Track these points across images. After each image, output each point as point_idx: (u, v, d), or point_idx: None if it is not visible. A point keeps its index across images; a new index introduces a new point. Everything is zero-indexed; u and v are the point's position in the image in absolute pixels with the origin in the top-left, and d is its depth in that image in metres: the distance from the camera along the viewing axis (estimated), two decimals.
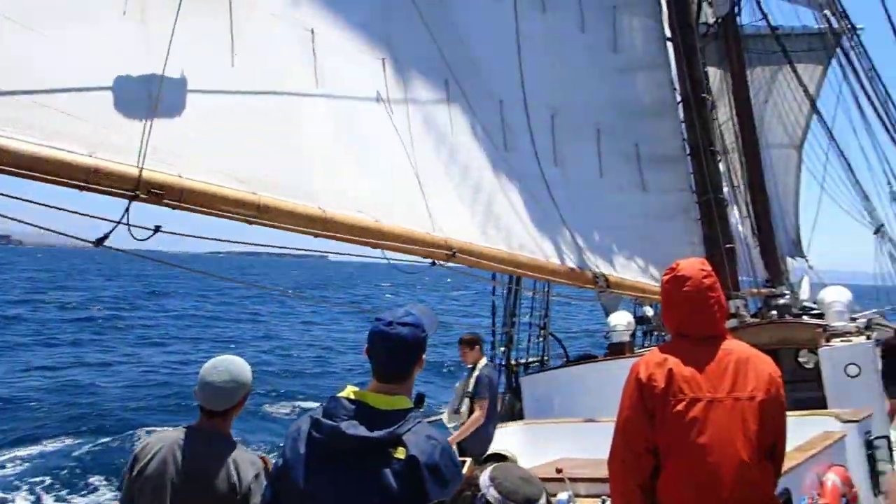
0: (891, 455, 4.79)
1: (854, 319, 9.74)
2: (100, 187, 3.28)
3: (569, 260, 6.24)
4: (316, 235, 4.16)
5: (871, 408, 5.45)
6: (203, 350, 24.13)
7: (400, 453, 2.10)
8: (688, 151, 8.09)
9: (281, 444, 2.33)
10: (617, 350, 8.16)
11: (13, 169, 3.05)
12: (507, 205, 5.83)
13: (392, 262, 4.77)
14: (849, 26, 11.33)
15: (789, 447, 3.48)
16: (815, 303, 10.51)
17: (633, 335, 9.30)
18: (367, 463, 2.10)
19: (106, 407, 15.39)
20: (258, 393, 15.85)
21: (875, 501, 4.56)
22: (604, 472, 2.65)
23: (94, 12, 3.51)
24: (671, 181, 7.87)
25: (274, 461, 2.40)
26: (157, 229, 3.48)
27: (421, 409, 2.31)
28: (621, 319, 8.65)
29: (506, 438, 5.02)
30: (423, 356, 2.33)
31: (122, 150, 3.40)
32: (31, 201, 3.30)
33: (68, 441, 12.66)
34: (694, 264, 2.66)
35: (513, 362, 8.88)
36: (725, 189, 9.87)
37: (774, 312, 10.20)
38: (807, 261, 20.82)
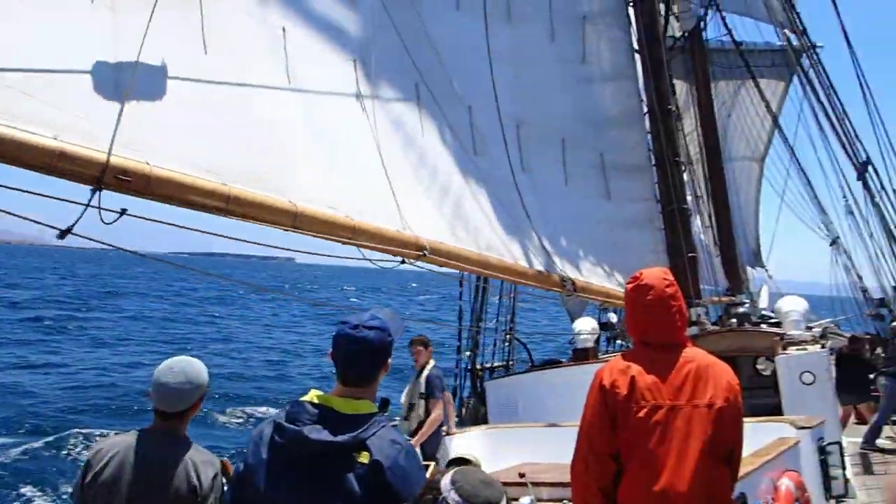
0: (842, 461, 4.94)
1: (810, 328, 10.05)
2: (65, 171, 3.20)
3: (537, 263, 6.31)
4: (286, 229, 4.12)
5: (824, 414, 5.61)
6: (157, 352, 23.56)
7: (364, 458, 2.08)
8: (653, 162, 8.25)
9: (231, 452, 2.30)
10: (581, 356, 8.26)
11: None
12: (476, 207, 5.88)
13: (365, 259, 4.74)
14: (808, 44, 11.69)
15: (746, 452, 3.57)
16: (773, 311, 10.79)
17: (597, 341, 9.43)
18: (330, 468, 2.08)
19: (43, 410, 14.75)
20: (209, 397, 15.61)
21: None
22: (566, 477, 2.68)
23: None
24: (637, 190, 8.01)
25: (235, 465, 2.37)
26: (122, 212, 3.39)
27: (385, 414, 2.31)
28: (586, 325, 8.76)
29: (470, 443, 5.04)
30: (389, 360, 2.33)
31: (88, 136, 3.33)
32: None
33: None
34: (657, 274, 2.71)
35: (478, 367, 8.91)
36: (689, 199, 10.10)
37: (734, 320, 10.44)
38: (766, 270, 21.40)
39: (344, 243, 4.48)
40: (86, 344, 25.74)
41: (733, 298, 13.39)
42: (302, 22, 4.70)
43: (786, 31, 12.18)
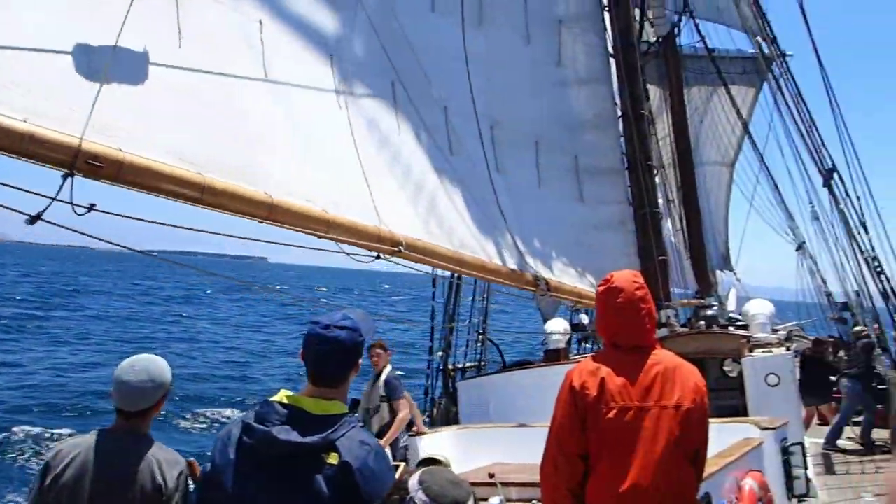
0: (804, 461, 5.05)
1: (776, 331, 10.25)
2: (35, 155, 3.12)
3: (511, 262, 6.35)
4: (261, 220, 4.07)
5: (788, 416, 5.73)
6: (118, 352, 22.90)
7: (333, 459, 2.07)
8: (626, 165, 8.35)
9: (197, 454, 2.26)
10: (553, 356, 8.30)
11: None
12: (451, 206, 5.90)
13: (340, 252, 4.71)
14: (778, 52, 11.93)
15: (711, 453, 3.63)
16: (741, 314, 10.98)
17: (569, 342, 9.49)
18: (299, 469, 2.06)
19: None
20: (172, 399, 15.25)
21: None
22: (536, 477, 2.70)
23: None
24: (610, 193, 8.10)
25: (202, 466, 2.34)
26: (91, 207, 3.32)
27: (355, 414, 2.30)
28: (558, 327, 8.81)
29: (440, 443, 5.04)
30: (360, 361, 2.32)
31: (60, 120, 3.26)
32: None
33: None
34: (627, 277, 2.75)
35: (450, 367, 8.91)
36: (661, 202, 10.24)
37: (703, 323, 10.61)
38: (735, 274, 21.79)
39: (319, 236, 4.45)
40: (44, 343, 25.07)
41: (702, 301, 13.62)
42: (278, 16, 4.67)
43: (757, 38, 12.42)
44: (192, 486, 2.62)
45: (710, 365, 7.74)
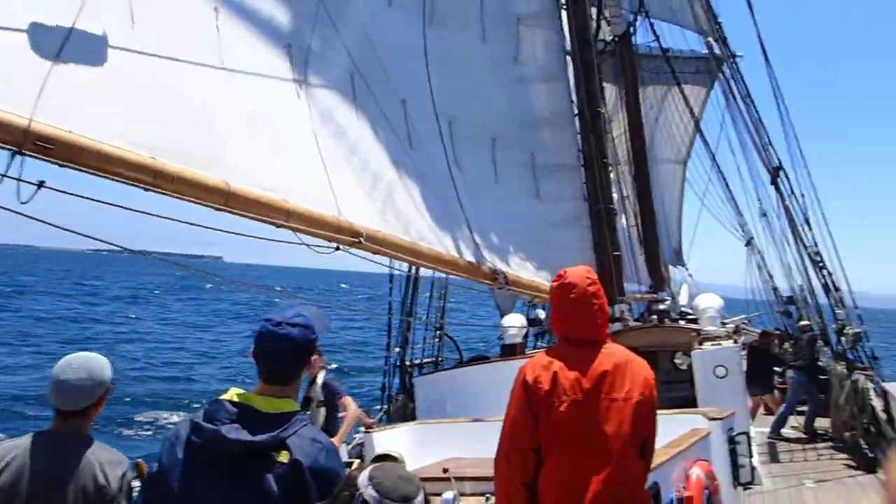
0: (749, 450, 5.22)
1: (725, 324, 10.56)
2: None
3: (469, 255, 6.37)
4: (218, 208, 3.98)
5: (735, 406, 5.91)
6: (57, 354, 22.22)
7: (283, 457, 2.06)
8: (582, 162, 8.46)
9: (143, 456, 2.21)
10: (510, 351, 8.38)
11: None
12: (410, 199, 5.88)
13: (300, 244, 4.64)
14: (728, 53, 12.25)
15: (661, 443, 3.72)
16: (692, 308, 11.28)
17: (525, 337, 9.59)
18: (248, 468, 2.04)
19: None
20: (116, 401, 14.60)
21: (735, 492, 4.96)
22: (490, 471, 2.73)
23: None
24: (566, 190, 8.19)
25: (149, 466, 2.29)
26: (40, 184, 3.21)
27: (307, 412, 2.29)
28: (515, 321, 8.90)
29: (396, 439, 5.04)
30: (312, 359, 2.30)
31: (9, 100, 3.15)
32: None
33: None
34: (580, 272, 2.79)
35: (407, 363, 8.91)
36: (616, 199, 10.41)
37: (655, 317, 10.85)
38: (686, 269, 22.33)
39: (277, 226, 4.37)
40: None
41: (655, 296, 13.92)
42: (234, 4, 4.59)
43: (709, 39, 12.72)
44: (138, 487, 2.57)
45: (662, 358, 7.93)
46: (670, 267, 20.10)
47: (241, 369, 21.31)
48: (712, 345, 7.25)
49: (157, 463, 2.14)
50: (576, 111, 8.45)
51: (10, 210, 3.20)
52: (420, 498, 1.78)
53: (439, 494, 3.22)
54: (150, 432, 14.36)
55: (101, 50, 3.64)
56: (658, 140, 20.35)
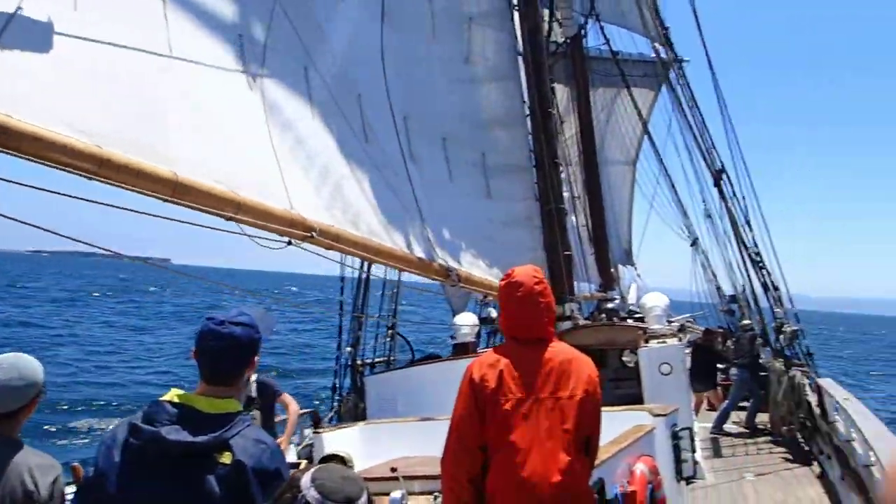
0: (692, 445, 5.36)
1: (671, 323, 10.82)
2: None
3: (422, 252, 6.35)
4: (165, 199, 3.86)
5: (679, 402, 6.06)
6: None
7: (226, 458, 2.01)
8: (533, 162, 8.55)
9: (77, 461, 2.12)
10: (462, 350, 8.39)
11: None
12: (365, 194, 5.82)
13: (252, 238, 4.53)
14: (674, 58, 12.57)
15: (607, 440, 3.79)
16: (639, 307, 11.53)
17: (478, 335, 9.64)
18: (190, 470, 1.99)
19: None
20: (48, 408, 14.07)
21: (678, 486, 5.09)
22: (439, 469, 2.73)
23: None
24: (517, 190, 8.27)
25: (86, 471, 2.21)
26: None
27: (250, 413, 2.24)
28: (467, 320, 8.93)
29: (345, 439, 4.99)
30: (256, 358, 2.26)
31: None
32: None
33: None
34: (527, 271, 2.82)
35: (358, 362, 8.84)
36: (566, 199, 10.57)
37: (604, 315, 11.06)
38: (636, 269, 22.85)
39: (227, 219, 4.26)
40: None
41: (605, 295, 14.20)
42: None
43: (656, 44, 13.04)
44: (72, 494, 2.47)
45: (610, 355, 8.08)
46: (620, 266, 20.53)
47: (182, 374, 20.78)
48: (658, 343, 7.42)
49: (93, 467, 2.06)
50: (527, 112, 8.54)
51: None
52: (364, 499, 1.76)
53: (388, 494, 3.20)
54: (86, 440, 13.80)
55: (47, 36, 3.50)
56: (608, 141, 20.75)
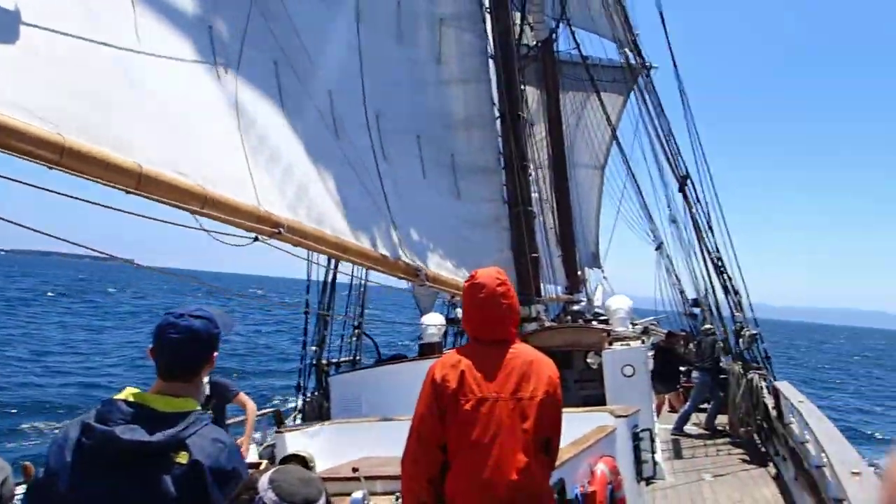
0: (652, 445, 5.45)
1: (635, 325, 10.98)
2: None
3: (391, 251, 6.33)
4: (128, 191, 3.78)
5: (640, 404, 6.16)
6: None
7: (182, 458, 1.97)
8: (502, 164, 8.60)
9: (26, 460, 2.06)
10: (428, 350, 8.40)
11: None
12: (334, 190, 5.78)
13: (217, 233, 4.45)
14: (642, 64, 12.77)
15: (569, 440, 3.83)
16: (604, 309, 11.67)
17: (445, 335, 9.66)
18: (145, 470, 1.95)
19: None
20: None
21: (638, 487, 5.17)
22: (400, 470, 2.73)
23: None
24: (485, 191, 8.31)
25: (37, 470, 2.15)
26: None
27: (208, 412, 2.21)
28: (434, 321, 8.94)
29: (307, 439, 4.95)
30: (215, 354, 2.23)
31: None
32: None
33: None
34: (490, 273, 2.84)
35: (324, 362, 8.78)
36: (535, 201, 10.65)
37: (570, 317, 11.17)
38: (602, 271, 23.13)
39: (192, 212, 4.19)
40: None
41: (571, 297, 14.34)
42: None
43: (625, 50, 13.22)
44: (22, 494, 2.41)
45: (575, 357, 8.17)
46: (587, 269, 20.75)
47: (137, 374, 20.34)
48: (621, 345, 7.52)
49: (43, 468, 2.01)
50: (497, 114, 8.59)
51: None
52: (322, 501, 1.75)
53: (349, 494, 3.19)
54: (35, 442, 13.37)
55: (13, 25, 3.41)
56: (578, 145, 20.96)
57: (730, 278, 10.31)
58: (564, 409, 2.84)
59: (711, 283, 10.39)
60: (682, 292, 15.53)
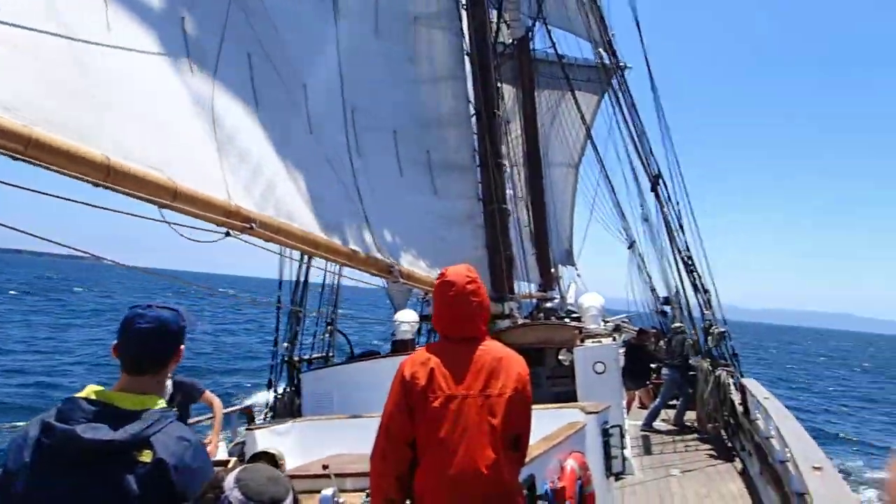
0: (621, 441, 5.52)
1: (606, 322, 11.09)
2: None
3: (365, 247, 6.30)
4: (96, 184, 3.70)
5: (611, 400, 6.23)
6: None
7: (146, 456, 1.94)
8: (478, 162, 8.62)
9: None
10: (401, 347, 8.39)
11: None
12: (308, 186, 5.72)
13: (185, 226, 4.38)
14: (617, 64, 12.89)
15: (540, 436, 3.86)
16: (577, 307, 11.77)
17: (418, 332, 9.65)
18: (107, 469, 1.92)
19: None
20: None
21: (607, 482, 5.23)
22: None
23: None
24: (460, 188, 8.32)
25: None
26: None
27: (173, 409, 2.18)
28: (407, 317, 8.93)
29: (277, 437, 4.92)
30: (182, 347, 2.21)
31: None
32: None
33: None
34: (460, 271, 2.84)
35: (295, 358, 8.71)
36: (510, 199, 10.70)
37: (543, 315, 11.25)
38: (576, 269, 23.31)
39: (162, 206, 4.12)
40: None
41: (544, 294, 14.45)
42: None
43: (599, 49, 13.33)
44: None
45: (548, 354, 8.24)
46: (560, 266, 20.90)
47: (100, 374, 19.96)
48: (593, 342, 7.60)
49: (2, 468, 1.96)
50: (473, 111, 8.60)
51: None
52: (289, 500, 1.74)
53: (319, 491, 3.18)
54: None
55: None
56: (553, 143, 21.08)
57: (699, 277, 10.48)
58: (536, 406, 2.86)
59: (682, 281, 10.54)
60: (653, 290, 15.73)
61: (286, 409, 7.91)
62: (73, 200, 3.97)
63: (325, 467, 3.57)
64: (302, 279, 8.90)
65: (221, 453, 5.83)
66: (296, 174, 5.66)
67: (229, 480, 1.73)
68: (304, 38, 6.11)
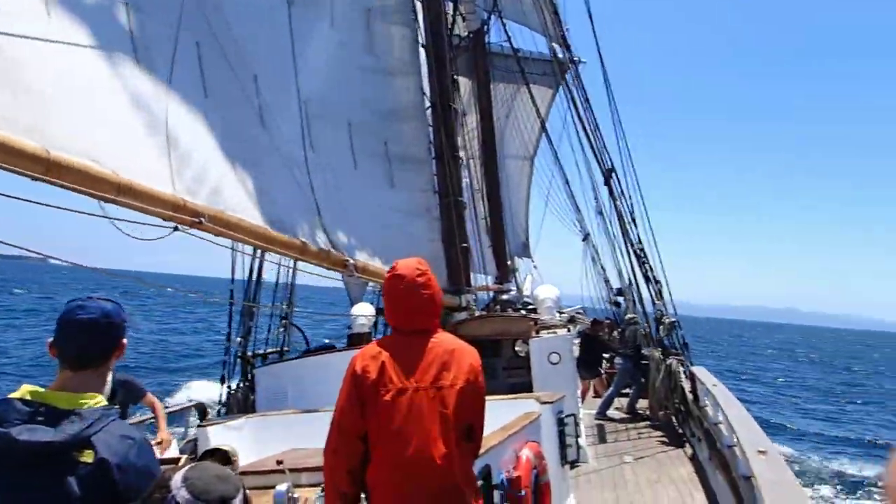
0: (576, 430, 5.62)
1: (562, 314, 11.25)
2: None
3: (319, 241, 6.22)
4: (36, 178, 3.56)
5: (566, 390, 6.33)
6: None
7: (87, 457, 1.88)
8: (433, 155, 8.60)
9: None
10: (357, 341, 8.34)
11: None
12: (260, 179, 5.61)
13: (131, 222, 4.23)
14: (571, 58, 13.03)
15: (496, 427, 3.89)
16: (533, 299, 11.88)
17: (375, 326, 9.61)
18: (46, 471, 1.85)
19: None
20: None
21: (562, 471, 5.31)
22: None
23: None
24: (416, 181, 8.29)
25: None
26: None
27: (115, 406, 2.11)
28: (363, 311, 8.87)
29: (230, 433, 4.83)
30: (125, 342, 2.14)
31: None
32: None
33: None
34: (410, 264, 2.83)
35: (249, 353, 8.58)
36: (465, 192, 10.72)
37: (499, 307, 11.33)
38: (532, 261, 23.55)
39: (106, 200, 3.98)
40: None
41: (501, 286, 14.55)
42: None
43: (553, 44, 13.44)
44: None
45: (504, 345, 8.31)
46: (517, 258, 21.08)
47: (36, 374, 19.28)
48: (548, 333, 7.70)
49: None
50: (428, 104, 8.57)
51: None
52: (239, 498, 1.71)
53: (274, 487, 3.14)
54: None
55: None
56: (508, 136, 21.21)
57: (651, 269, 10.70)
58: (491, 397, 2.87)
59: (634, 273, 10.75)
60: (607, 282, 16.01)
61: (240, 405, 7.78)
62: (7, 196, 3.80)
63: (279, 462, 3.53)
64: (255, 275, 8.74)
65: (173, 451, 5.70)
66: (247, 167, 5.54)
67: (177, 479, 1.69)
68: (255, 28, 5.97)
